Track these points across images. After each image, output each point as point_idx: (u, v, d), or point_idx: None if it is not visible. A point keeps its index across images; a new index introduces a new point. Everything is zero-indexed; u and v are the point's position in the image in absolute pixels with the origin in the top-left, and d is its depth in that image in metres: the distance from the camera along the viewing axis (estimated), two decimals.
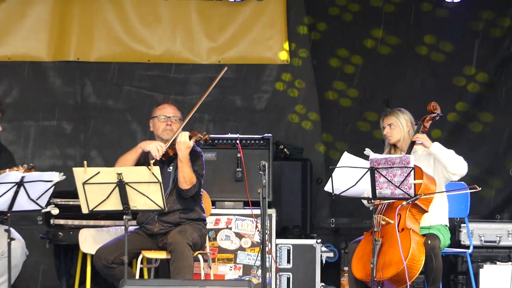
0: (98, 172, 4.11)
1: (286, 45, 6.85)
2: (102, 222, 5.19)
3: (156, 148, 4.50)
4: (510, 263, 5.74)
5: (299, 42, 7.01)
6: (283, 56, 6.79)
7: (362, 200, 4.72)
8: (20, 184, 4.11)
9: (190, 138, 4.63)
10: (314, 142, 7.02)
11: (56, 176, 4.16)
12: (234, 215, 5.79)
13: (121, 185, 3.98)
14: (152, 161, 4.39)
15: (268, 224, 5.61)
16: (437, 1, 6.74)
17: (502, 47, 6.94)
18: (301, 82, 6.93)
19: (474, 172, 5.80)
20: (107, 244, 4.61)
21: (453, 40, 6.85)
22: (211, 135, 5.46)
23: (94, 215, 4.82)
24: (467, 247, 5.38)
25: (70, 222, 5.29)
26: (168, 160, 4.71)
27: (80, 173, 4.10)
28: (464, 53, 6.96)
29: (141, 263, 4.74)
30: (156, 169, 4.12)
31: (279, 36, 6.83)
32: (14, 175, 4.22)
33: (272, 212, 5.77)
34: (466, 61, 6.83)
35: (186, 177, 4.55)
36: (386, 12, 6.73)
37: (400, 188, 4.26)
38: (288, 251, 5.96)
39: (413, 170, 4.23)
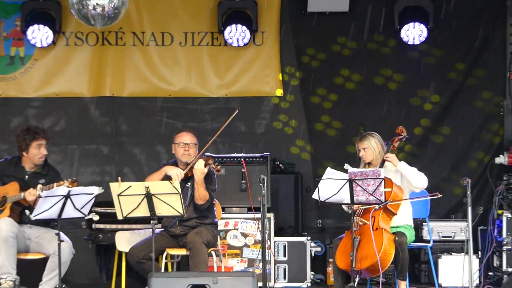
0: (130, 186, 4.05)
1: (280, 83, 6.49)
2: (134, 226, 5.01)
3: (176, 174, 4.41)
4: (463, 254, 5.21)
5: (286, 84, 6.72)
6: (279, 92, 6.47)
7: (342, 205, 4.61)
8: (67, 196, 4.03)
9: (205, 165, 4.53)
10: (302, 153, 6.63)
11: (96, 190, 4.12)
12: (240, 218, 5.69)
13: (149, 196, 3.93)
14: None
15: (267, 225, 5.48)
16: (382, 42, 6.50)
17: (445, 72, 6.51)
18: (290, 112, 6.57)
19: (434, 179, 5.44)
20: (138, 243, 4.53)
21: (404, 71, 6.50)
22: (221, 154, 5.69)
23: (127, 220, 4.70)
24: (428, 242, 5.23)
25: (108, 226, 5.13)
26: (187, 178, 4.61)
27: (115, 187, 4.04)
28: (417, 80, 6.53)
29: (166, 258, 4.65)
30: (177, 184, 4.08)
31: (274, 74, 6.44)
32: (62, 189, 4.13)
33: (270, 215, 5.66)
34: (420, 86, 6.49)
35: (201, 196, 4.49)
36: (345, 55, 6.44)
37: (373, 195, 4.14)
38: (284, 246, 5.81)
39: (383, 181, 4.12)
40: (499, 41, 6.41)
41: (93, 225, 5.15)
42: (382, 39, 6.36)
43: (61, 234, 4.10)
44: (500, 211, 5.70)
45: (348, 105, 6.61)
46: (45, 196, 3.97)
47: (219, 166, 4.59)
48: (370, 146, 4.73)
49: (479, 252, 5.83)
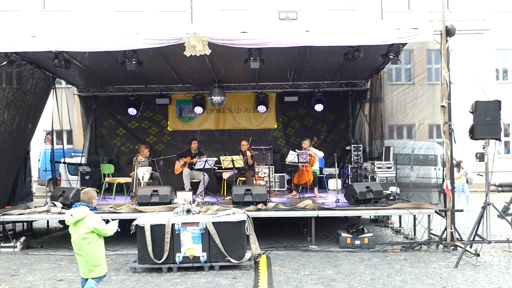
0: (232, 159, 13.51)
1: (275, 124, 15.82)
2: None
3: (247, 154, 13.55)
4: (335, 179, 14.87)
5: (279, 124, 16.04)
6: (275, 126, 15.91)
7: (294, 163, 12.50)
8: (206, 161, 13.45)
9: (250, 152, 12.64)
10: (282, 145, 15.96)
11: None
12: (260, 167, 15.08)
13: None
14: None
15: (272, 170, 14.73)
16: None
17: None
18: (280, 132, 16.15)
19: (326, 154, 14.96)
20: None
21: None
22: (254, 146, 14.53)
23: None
24: (322, 173, 13.54)
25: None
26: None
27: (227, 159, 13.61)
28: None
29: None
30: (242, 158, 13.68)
31: (274, 120, 15.98)
32: (204, 159, 13.55)
33: (272, 167, 14.79)
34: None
35: (249, 162, 13.48)
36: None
37: (304, 160, 12.44)
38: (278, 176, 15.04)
39: (308, 155, 12.59)
40: None
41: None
42: None
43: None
44: (347, 164, 15.23)
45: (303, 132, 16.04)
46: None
47: (253, 152, 12.89)
48: (306, 143, 12.33)
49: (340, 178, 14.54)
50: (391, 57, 9.94)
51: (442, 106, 9.09)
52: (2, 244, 9.68)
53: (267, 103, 15.45)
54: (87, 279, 5.66)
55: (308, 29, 9.08)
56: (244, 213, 8.34)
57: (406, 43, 9.89)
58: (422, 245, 9.24)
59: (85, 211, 5.65)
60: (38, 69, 11.82)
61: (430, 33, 8.98)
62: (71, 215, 5.60)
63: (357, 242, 9.30)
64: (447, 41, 9.17)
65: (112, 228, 5.82)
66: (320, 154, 12.68)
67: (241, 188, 10.22)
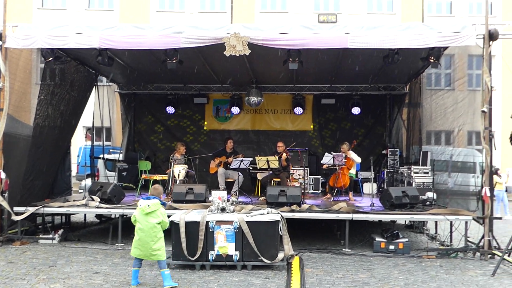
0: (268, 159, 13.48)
1: (311, 126, 15.88)
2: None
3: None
4: (371, 182, 14.69)
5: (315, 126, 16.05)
6: (311, 128, 15.92)
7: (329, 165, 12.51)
8: (241, 161, 13.41)
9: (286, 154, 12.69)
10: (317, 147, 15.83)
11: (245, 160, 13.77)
12: (295, 168, 14.72)
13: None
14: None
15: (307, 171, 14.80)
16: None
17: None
18: (316, 134, 16.14)
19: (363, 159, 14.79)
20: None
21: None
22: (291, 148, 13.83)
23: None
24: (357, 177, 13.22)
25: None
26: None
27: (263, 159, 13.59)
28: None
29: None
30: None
31: (310, 122, 16.04)
32: (240, 159, 13.56)
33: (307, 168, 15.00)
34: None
35: (283, 164, 13.26)
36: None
37: (340, 162, 12.08)
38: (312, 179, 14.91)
39: (344, 158, 12.06)
40: None
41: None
42: None
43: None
44: (383, 169, 14.87)
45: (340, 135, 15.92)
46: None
47: (289, 154, 12.75)
48: (345, 148, 12.31)
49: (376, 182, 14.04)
50: (432, 61, 9.76)
51: (483, 111, 8.89)
52: (41, 236, 9.96)
53: (304, 105, 15.39)
54: (141, 260, 6.70)
55: (348, 31, 8.99)
56: (278, 213, 8.33)
57: (447, 47, 9.71)
58: (459, 252, 9.06)
59: (158, 204, 6.60)
60: (81, 65, 12.07)
61: (473, 37, 8.79)
62: (148, 205, 6.51)
63: (392, 247, 9.17)
64: (489, 45, 8.97)
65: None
66: (358, 159, 12.56)
67: (275, 189, 10.20)
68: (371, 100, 15.41)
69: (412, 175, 12.14)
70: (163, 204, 6.66)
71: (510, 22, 9.39)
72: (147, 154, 15.52)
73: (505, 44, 23.24)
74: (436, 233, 11.09)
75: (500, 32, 8.97)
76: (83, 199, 10.45)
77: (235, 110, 15.43)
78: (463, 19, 24.93)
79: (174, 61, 9.94)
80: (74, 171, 17.65)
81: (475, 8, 26.45)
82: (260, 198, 12.09)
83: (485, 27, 8.96)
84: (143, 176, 12.88)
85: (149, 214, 6.51)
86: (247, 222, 7.78)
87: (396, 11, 26.57)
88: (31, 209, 9.75)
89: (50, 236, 9.84)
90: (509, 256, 8.10)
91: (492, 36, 8.93)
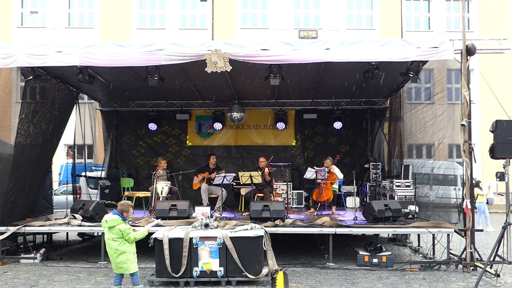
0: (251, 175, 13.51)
1: (294, 141, 15.86)
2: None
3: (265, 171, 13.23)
4: (353, 196, 14.82)
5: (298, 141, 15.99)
6: (294, 143, 15.95)
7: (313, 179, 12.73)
8: (224, 177, 13.50)
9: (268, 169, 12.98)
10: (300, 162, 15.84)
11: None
12: (279, 183, 14.89)
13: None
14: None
15: (290, 186, 14.53)
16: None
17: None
18: (298, 149, 16.09)
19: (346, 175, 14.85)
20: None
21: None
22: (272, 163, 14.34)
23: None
24: (340, 191, 13.63)
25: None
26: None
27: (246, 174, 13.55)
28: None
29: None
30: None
31: (292, 137, 16.09)
32: (223, 174, 13.57)
33: (290, 184, 14.65)
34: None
35: (267, 179, 13.36)
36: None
37: (322, 177, 12.65)
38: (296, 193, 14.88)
39: (327, 172, 12.65)
40: None
41: None
42: None
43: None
44: (366, 182, 15.15)
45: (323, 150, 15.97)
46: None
47: (271, 169, 13.05)
48: (328, 162, 12.55)
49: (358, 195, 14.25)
50: (411, 75, 9.91)
51: (462, 125, 9.03)
52: (22, 255, 9.82)
53: (286, 120, 15.49)
54: (121, 276, 6.71)
55: (328, 47, 9.10)
56: (262, 228, 8.33)
57: (426, 62, 9.86)
58: (441, 265, 9.12)
59: (117, 220, 6.51)
60: (62, 84, 12.01)
61: (451, 51, 8.96)
62: (106, 221, 6.52)
63: (375, 260, 9.22)
64: (467, 60, 9.14)
65: (138, 233, 6.72)
66: (340, 175, 12.63)
67: (259, 204, 10.19)
68: (352, 115, 15.55)
69: (394, 188, 12.23)
70: (124, 220, 6.58)
71: (487, 37, 9.54)
72: (130, 171, 15.46)
73: (483, 58, 23.60)
74: (419, 245, 11.17)
75: (477, 47, 9.15)
76: (65, 218, 10.30)
77: (218, 126, 15.46)
78: (441, 35, 25.43)
79: (156, 78, 9.96)
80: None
81: (453, 23, 26.91)
82: (243, 214, 12.08)
83: (463, 42, 9.14)
84: (126, 193, 12.81)
85: (109, 229, 6.52)
86: (231, 237, 7.77)
87: (375, 27, 26.94)
88: (12, 229, 9.62)
89: (32, 255, 9.71)
90: (491, 268, 8.17)
91: (469, 51, 9.11)
